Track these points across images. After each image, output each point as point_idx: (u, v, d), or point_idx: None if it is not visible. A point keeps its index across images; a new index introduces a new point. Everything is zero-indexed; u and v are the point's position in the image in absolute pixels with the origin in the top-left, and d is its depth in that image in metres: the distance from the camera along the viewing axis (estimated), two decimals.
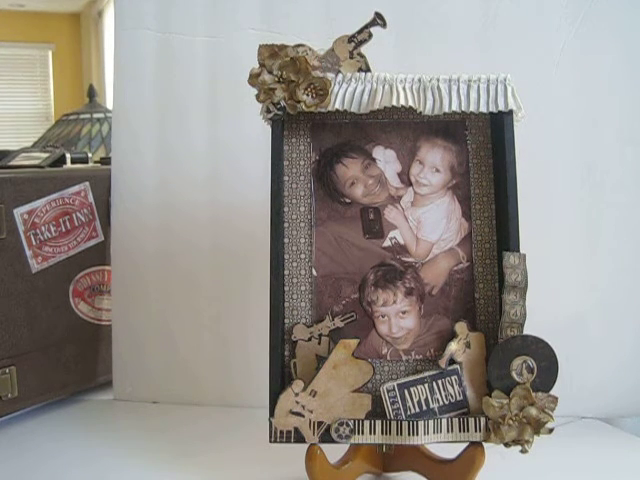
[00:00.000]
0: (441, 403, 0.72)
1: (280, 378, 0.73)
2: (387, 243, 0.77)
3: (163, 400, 1.10)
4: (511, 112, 0.74)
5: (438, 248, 0.77)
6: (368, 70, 0.76)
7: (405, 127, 0.78)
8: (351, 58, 0.76)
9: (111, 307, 1.14)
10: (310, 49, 0.74)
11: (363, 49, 0.76)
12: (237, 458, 0.88)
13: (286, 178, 0.78)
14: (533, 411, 0.70)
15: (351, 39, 0.76)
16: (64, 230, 1.07)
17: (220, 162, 1.08)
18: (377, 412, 0.72)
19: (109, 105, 2.40)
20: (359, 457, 0.78)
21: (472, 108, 0.73)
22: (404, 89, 0.73)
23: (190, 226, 1.09)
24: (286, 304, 0.76)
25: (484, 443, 0.72)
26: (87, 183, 1.10)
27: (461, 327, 0.74)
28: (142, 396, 1.11)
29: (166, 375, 1.11)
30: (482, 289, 0.76)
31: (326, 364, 0.72)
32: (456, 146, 0.78)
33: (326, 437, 0.71)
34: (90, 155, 1.31)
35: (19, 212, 1.01)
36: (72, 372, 1.09)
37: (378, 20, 0.77)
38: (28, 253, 1.02)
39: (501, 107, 0.73)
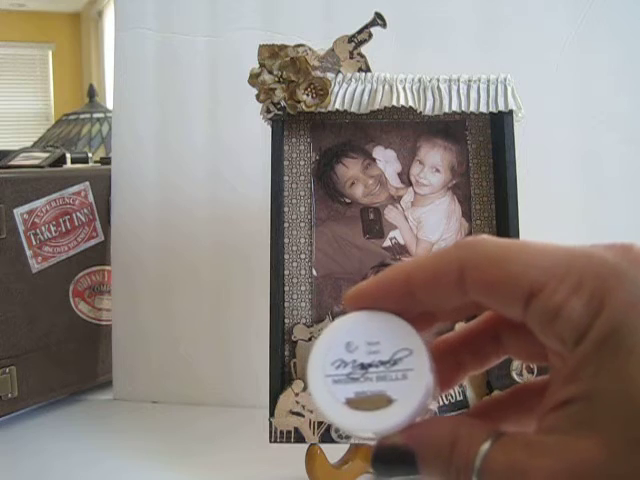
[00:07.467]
0: (441, 403, 0.72)
1: (280, 378, 0.73)
2: (387, 243, 0.77)
3: (163, 400, 1.10)
4: (511, 112, 0.73)
5: (438, 248, 0.77)
6: (368, 70, 0.76)
7: (405, 127, 0.78)
8: (351, 58, 0.76)
9: (111, 307, 1.14)
10: (310, 49, 0.74)
11: (363, 49, 0.76)
12: (237, 458, 0.88)
13: (286, 178, 0.78)
14: None
15: (351, 39, 0.76)
16: (64, 230, 1.07)
17: (220, 162, 1.07)
18: None
19: (109, 105, 2.39)
20: (359, 457, 0.78)
21: (472, 108, 0.73)
22: (404, 89, 0.73)
23: (191, 225, 1.09)
24: (286, 304, 0.76)
25: None
26: (87, 183, 1.10)
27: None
28: (142, 396, 1.11)
29: (166, 375, 1.11)
30: None
31: None
32: (456, 146, 0.78)
33: (326, 437, 0.71)
34: (90, 155, 1.31)
35: (19, 212, 1.01)
36: (72, 372, 1.09)
37: (378, 20, 0.77)
38: (28, 253, 1.02)
39: (501, 107, 0.73)
